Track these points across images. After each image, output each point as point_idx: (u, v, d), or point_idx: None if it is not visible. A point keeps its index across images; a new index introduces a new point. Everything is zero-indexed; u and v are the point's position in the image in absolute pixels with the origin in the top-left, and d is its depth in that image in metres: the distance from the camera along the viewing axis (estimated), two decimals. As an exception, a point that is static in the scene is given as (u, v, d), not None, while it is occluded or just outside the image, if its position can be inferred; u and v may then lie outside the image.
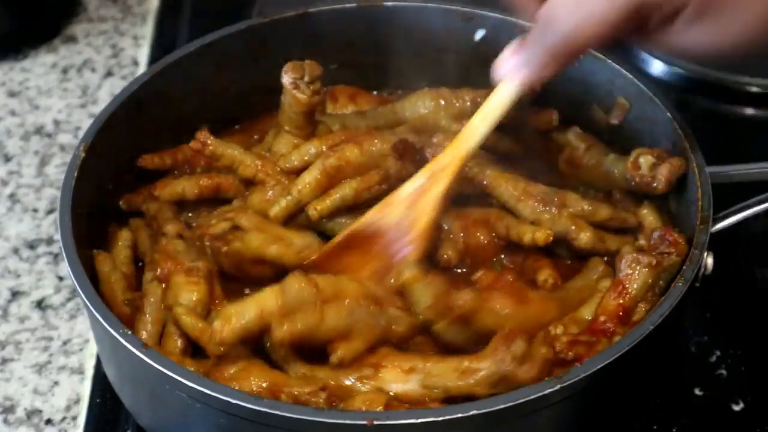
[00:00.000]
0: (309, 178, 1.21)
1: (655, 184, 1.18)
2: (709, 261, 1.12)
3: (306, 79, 1.23)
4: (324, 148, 1.24)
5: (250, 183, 1.25)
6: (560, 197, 1.21)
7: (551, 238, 1.18)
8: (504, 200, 1.23)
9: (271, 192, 1.23)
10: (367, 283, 1.11)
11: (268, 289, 1.07)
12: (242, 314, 1.03)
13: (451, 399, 1.05)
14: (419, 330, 1.11)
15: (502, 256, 1.21)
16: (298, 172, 1.23)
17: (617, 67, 1.29)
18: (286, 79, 1.23)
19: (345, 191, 1.21)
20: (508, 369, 1.02)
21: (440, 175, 1.15)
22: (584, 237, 1.19)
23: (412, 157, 1.25)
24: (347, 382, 1.06)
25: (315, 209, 1.20)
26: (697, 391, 1.25)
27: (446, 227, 1.23)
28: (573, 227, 1.19)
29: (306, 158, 1.24)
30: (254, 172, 1.24)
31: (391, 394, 1.04)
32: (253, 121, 1.41)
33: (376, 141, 1.23)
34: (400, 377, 1.05)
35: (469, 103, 1.30)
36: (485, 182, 1.23)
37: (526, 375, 1.02)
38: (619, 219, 1.22)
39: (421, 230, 1.15)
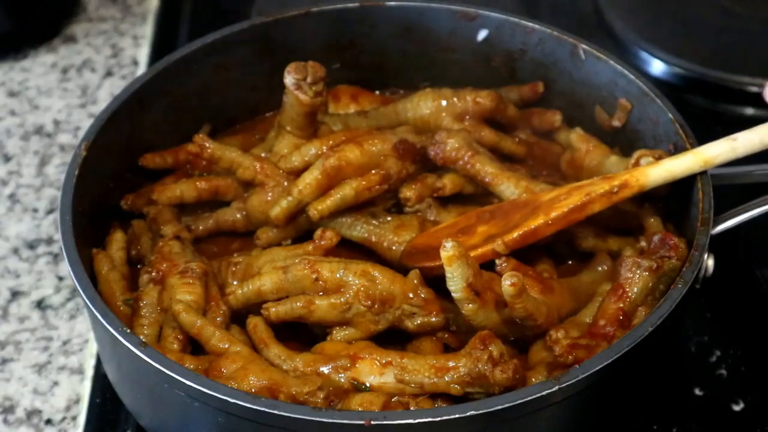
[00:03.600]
0: (309, 178, 1.21)
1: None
2: (710, 263, 1.12)
3: (309, 80, 1.22)
4: (324, 149, 1.23)
5: (249, 185, 1.25)
6: None
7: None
8: (506, 198, 1.22)
9: (270, 193, 1.23)
10: (379, 280, 1.11)
11: (274, 269, 1.14)
12: (246, 286, 1.15)
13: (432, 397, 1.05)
14: (430, 329, 1.12)
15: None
16: (298, 172, 1.23)
17: (619, 67, 1.29)
18: (289, 79, 1.22)
19: (345, 191, 1.21)
20: (483, 369, 1.02)
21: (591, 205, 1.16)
22: (587, 236, 1.20)
23: (413, 158, 1.25)
24: (324, 370, 1.07)
25: (316, 209, 1.20)
26: (697, 391, 1.25)
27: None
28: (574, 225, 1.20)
29: (306, 159, 1.24)
30: (254, 174, 1.24)
31: (366, 386, 1.06)
32: (254, 120, 1.41)
33: (376, 141, 1.23)
34: (376, 370, 1.06)
35: (470, 104, 1.30)
36: (487, 180, 1.23)
37: (500, 376, 1.02)
38: (622, 219, 1.22)
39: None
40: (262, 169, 1.24)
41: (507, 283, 1.02)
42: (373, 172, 1.22)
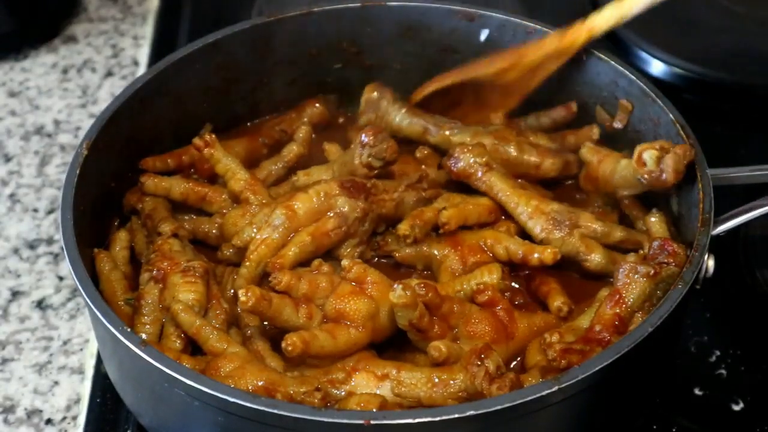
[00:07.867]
0: (262, 239, 1.18)
1: (664, 177, 1.17)
2: (710, 263, 1.12)
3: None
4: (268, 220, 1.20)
5: (236, 200, 1.24)
6: (573, 217, 1.20)
7: (559, 256, 1.17)
8: (516, 216, 1.22)
9: (249, 212, 1.21)
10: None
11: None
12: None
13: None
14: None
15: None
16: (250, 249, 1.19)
17: (620, 68, 1.29)
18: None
19: (301, 238, 1.18)
20: (479, 386, 1.01)
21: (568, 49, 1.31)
22: (595, 259, 1.19)
23: (365, 194, 1.21)
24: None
25: (275, 263, 1.16)
26: (697, 391, 1.25)
27: (437, 254, 1.21)
28: (583, 248, 1.19)
29: (249, 237, 1.19)
30: (243, 187, 1.23)
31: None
32: (258, 123, 1.41)
33: (321, 183, 1.21)
34: (372, 383, 1.06)
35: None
36: (499, 195, 1.23)
37: (497, 393, 1.01)
38: (633, 241, 1.21)
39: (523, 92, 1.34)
40: (250, 185, 1.23)
41: (396, 292, 1.05)
42: (326, 216, 1.19)
